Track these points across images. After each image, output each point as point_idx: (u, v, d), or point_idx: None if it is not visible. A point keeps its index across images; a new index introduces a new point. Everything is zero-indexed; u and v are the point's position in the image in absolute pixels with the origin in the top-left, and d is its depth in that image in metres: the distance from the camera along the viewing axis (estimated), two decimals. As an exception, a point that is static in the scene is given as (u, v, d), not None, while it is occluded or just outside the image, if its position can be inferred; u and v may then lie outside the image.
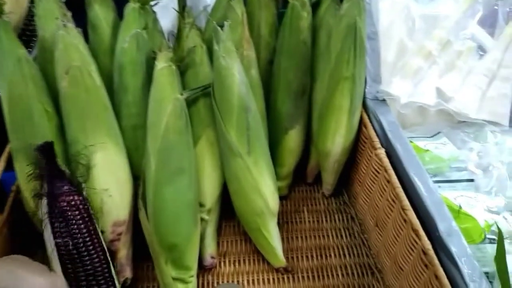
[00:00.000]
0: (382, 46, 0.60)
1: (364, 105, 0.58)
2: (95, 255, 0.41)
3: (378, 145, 0.53)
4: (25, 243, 0.50)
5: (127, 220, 0.48)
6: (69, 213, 0.41)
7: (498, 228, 0.41)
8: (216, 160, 0.54)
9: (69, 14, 0.54)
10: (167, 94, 0.50)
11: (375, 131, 0.55)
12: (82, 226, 0.41)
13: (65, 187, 0.41)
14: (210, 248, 0.54)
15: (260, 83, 0.58)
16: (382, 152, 0.52)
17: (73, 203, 0.41)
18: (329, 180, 0.61)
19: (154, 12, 0.61)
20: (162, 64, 0.51)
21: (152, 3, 0.60)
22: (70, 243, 0.40)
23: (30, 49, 0.61)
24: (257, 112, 0.53)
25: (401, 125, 0.55)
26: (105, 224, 0.46)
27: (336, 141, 0.56)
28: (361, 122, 0.57)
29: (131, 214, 0.49)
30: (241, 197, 0.52)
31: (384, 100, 0.58)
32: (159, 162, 0.48)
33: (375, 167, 0.54)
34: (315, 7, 0.60)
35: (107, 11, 0.59)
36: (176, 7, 0.57)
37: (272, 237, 0.52)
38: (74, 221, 0.41)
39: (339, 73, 0.54)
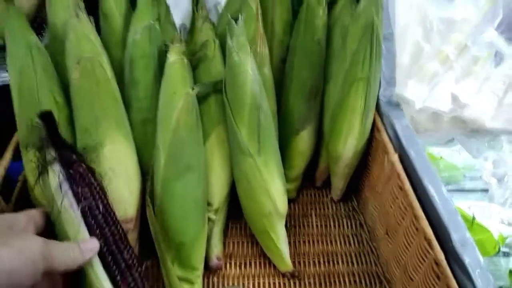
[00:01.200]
0: (398, 48, 0.59)
1: (378, 108, 0.56)
2: (117, 222, 0.39)
3: (391, 150, 0.52)
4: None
5: (135, 217, 0.47)
6: (89, 179, 0.37)
7: (514, 242, 0.39)
8: (226, 159, 0.53)
9: (81, 2, 0.53)
10: (178, 88, 0.49)
11: (388, 135, 0.54)
12: (101, 192, 0.38)
13: (74, 157, 0.37)
14: (217, 249, 0.53)
15: (272, 82, 0.57)
16: (395, 157, 0.51)
17: (87, 171, 0.38)
18: (338, 184, 0.60)
19: (166, 4, 0.60)
20: (174, 57, 0.50)
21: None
22: (101, 205, 0.37)
23: (41, 36, 0.60)
24: (269, 111, 0.52)
25: (414, 130, 0.54)
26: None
27: (348, 144, 0.54)
28: (374, 125, 0.56)
29: (139, 211, 0.48)
30: (250, 198, 0.51)
31: (398, 103, 0.57)
32: (169, 158, 0.47)
33: (387, 173, 0.52)
34: (330, 5, 0.59)
35: (120, 1, 0.57)
36: (189, -1, 0.56)
37: (280, 239, 0.51)
38: (95, 185, 0.38)
39: (354, 74, 0.53)
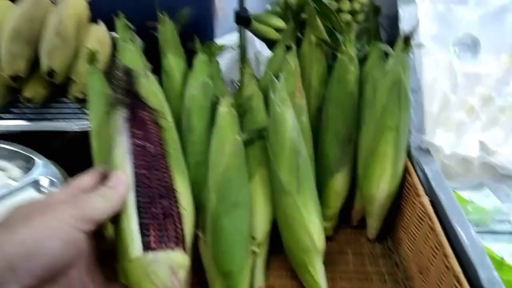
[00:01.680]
0: (426, 99, 0.64)
1: (409, 154, 0.61)
2: (166, 171, 0.37)
3: (422, 192, 0.56)
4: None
5: (188, 247, 0.53)
6: (149, 126, 0.38)
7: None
8: (268, 197, 0.59)
9: (148, 65, 0.63)
10: (227, 135, 0.56)
11: (419, 179, 0.58)
12: (158, 144, 0.38)
13: (140, 104, 0.39)
14: (259, 281, 0.57)
15: (309, 129, 0.63)
16: (426, 200, 0.55)
17: (152, 121, 0.39)
18: (373, 224, 0.64)
19: (218, 63, 0.70)
20: (224, 108, 0.58)
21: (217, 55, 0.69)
22: (152, 149, 0.36)
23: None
24: (307, 155, 0.58)
25: (444, 175, 0.58)
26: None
27: (380, 187, 0.59)
28: (405, 170, 0.61)
29: (191, 241, 0.54)
30: (290, 233, 0.56)
31: (428, 150, 0.61)
32: (219, 196, 0.53)
33: (419, 214, 0.56)
34: (362, 61, 0.66)
35: (179, 61, 0.68)
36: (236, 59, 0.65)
37: (318, 274, 0.55)
38: (153, 133, 0.37)
39: (384, 123, 0.58)
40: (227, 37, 0.91)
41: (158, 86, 0.59)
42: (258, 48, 0.82)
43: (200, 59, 0.66)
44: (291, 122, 0.56)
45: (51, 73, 0.66)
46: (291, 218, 0.55)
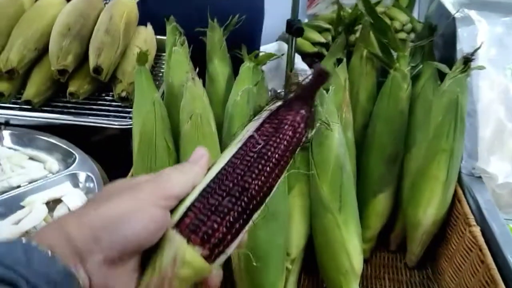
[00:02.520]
0: (480, 123, 0.61)
1: (459, 180, 0.58)
2: (258, 183, 0.30)
3: (473, 222, 0.52)
4: None
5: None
6: (285, 128, 0.32)
7: None
8: (306, 212, 0.57)
9: (195, 69, 0.63)
10: (270, 145, 0.54)
11: (470, 207, 0.55)
12: (280, 150, 0.31)
13: (301, 112, 0.33)
14: (291, 298, 0.55)
15: (354, 145, 0.61)
16: (477, 230, 0.51)
17: (295, 125, 0.32)
18: (414, 250, 0.60)
19: (262, 72, 0.69)
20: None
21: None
22: (265, 149, 0.31)
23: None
24: (351, 172, 0.55)
25: (495, 204, 0.54)
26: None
27: (427, 212, 0.56)
28: (455, 196, 0.57)
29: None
30: (327, 253, 0.53)
31: (480, 177, 0.57)
32: None
33: (468, 245, 0.52)
34: (413, 80, 0.64)
35: (224, 68, 0.67)
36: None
37: (354, 299, 0.52)
38: (282, 139, 0.32)
39: (437, 145, 0.55)
40: (263, 47, 0.91)
41: (204, 91, 0.58)
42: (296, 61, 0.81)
43: (247, 66, 0.65)
44: (337, 136, 0.54)
45: (98, 69, 0.66)
46: (330, 236, 0.53)
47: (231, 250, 0.29)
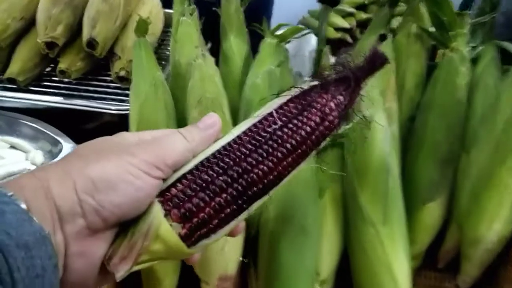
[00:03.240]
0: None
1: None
2: (263, 169, 0.26)
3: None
4: None
5: (234, 275, 0.41)
6: (312, 112, 0.28)
7: None
8: (339, 223, 0.47)
9: (208, 44, 0.52)
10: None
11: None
12: (300, 136, 0.27)
13: (339, 98, 0.28)
14: (319, 330, 0.45)
15: (398, 142, 0.50)
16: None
17: (326, 111, 0.28)
18: (470, 271, 0.49)
19: (286, 51, 0.58)
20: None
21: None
22: (280, 126, 0.27)
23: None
24: (397, 175, 0.44)
25: None
26: (211, 276, 0.40)
27: (493, 227, 0.45)
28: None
29: (239, 268, 0.42)
30: (367, 275, 0.43)
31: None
32: (280, 215, 0.42)
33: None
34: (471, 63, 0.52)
35: (242, 44, 0.57)
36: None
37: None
38: (306, 121, 0.27)
39: (507, 144, 0.44)
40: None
41: (216, 69, 0.48)
42: (314, 46, 0.73)
43: (268, 43, 0.54)
44: (382, 130, 0.43)
45: (92, 43, 0.56)
46: (371, 255, 0.43)
47: (217, 236, 0.26)
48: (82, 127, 0.58)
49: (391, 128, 0.48)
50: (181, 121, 0.48)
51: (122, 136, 0.28)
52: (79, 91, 0.61)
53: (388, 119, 0.48)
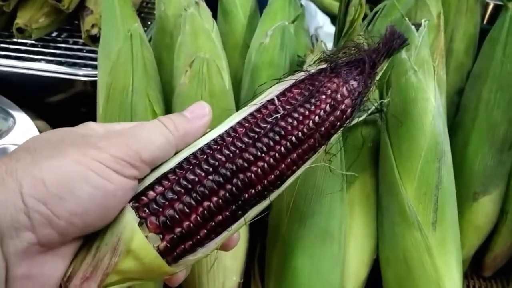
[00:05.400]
0: None
1: None
2: (263, 167, 0.22)
3: None
4: None
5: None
6: (321, 99, 0.24)
7: None
8: (370, 224, 0.38)
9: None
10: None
11: None
12: (307, 127, 0.23)
13: (352, 83, 0.25)
14: None
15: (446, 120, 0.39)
16: None
17: (338, 99, 0.24)
18: (530, 283, 0.40)
19: (302, 6, 0.47)
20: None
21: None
22: (283, 115, 0.23)
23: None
24: (451, 164, 0.34)
25: None
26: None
27: None
28: None
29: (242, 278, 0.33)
30: (408, 291, 0.33)
31: None
32: (296, 214, 0.32)
33: None
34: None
35: (246, -2, 0.45)
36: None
37: None
38: (313, 110, 0.24)
39: None
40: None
41: (213, 22, 0.37)
42: (320, 23, 0.66)
43: (280, -6, 0.43)
44: (434, 104, 0.33)
45: (56, -8, 0.45)
46: (415, 267, 0.34)
47: (206, 251, 0.22)
48: (47, 100, 0.47)
49: (442, 101, 0.38)
50: (166, 90, 0.37)
51: (88, 126, 0.23)
52: (43, 54, 0.49)
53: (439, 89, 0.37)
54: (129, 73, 0.33)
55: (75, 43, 0.52)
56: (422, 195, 0.33)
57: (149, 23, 0.55)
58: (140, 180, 0.21)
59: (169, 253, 0.21)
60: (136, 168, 0.21)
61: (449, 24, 0.42)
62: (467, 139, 0.40)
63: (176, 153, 0.23)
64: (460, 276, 0.34)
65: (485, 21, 0.51)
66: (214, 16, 0.45)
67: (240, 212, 0.22)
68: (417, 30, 0.34)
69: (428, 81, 0.33)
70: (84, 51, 0.51)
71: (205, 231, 0.21)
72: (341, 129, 0.25)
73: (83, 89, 0.48)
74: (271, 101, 0.24)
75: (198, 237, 0.21)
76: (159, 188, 0.21)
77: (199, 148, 0.22)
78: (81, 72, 0.45)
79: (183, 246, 0.21)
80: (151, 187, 0.21)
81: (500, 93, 0.39)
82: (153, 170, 0.22)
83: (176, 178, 0.21)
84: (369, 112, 0.37)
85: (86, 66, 0.48)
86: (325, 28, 0.67)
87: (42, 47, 0.51)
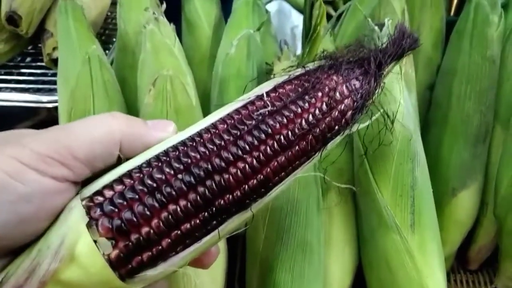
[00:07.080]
0: None
1: None
2: (245, 169, 0.20)
3: None
4: None
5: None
6: (317, 96, 0.21)
7: None
8: (350, 230, 0.37)
9: (162, 6, 0.40)
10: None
11: None
12: (298, 127, 0.21)
13: (353, 83, 0.22)
14: None
15: (418, 117, 0.39)
16: None
17: (336, 98, 0.22)
18: (514, 271, 0.40)
19: (268, 12, 0.46)
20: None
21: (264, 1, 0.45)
22: (271, 112, 0.20)
23: (107, 51, 0.48)
24: (425, 162, 0.34)
25: None
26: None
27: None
28: None
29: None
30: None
31: None
32: (272, 226, 0.31)
33: None
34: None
35: (210, 6, 0.46)
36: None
37: None
38: (306, 108, 0.21)
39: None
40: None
41: (174, 37, 0.36)
42: (295, 23, 0.67)
43: (243, 2, 0.42)
44: (403, 103, 0.32)
45: (13, 18, 0.43)
46: (397, 270, 0.33)
47: (169, 266, 0.19)
48: (12, 127, 0.46)
49: (411, 99, 0.38)
50: (132, 112, 0.36)
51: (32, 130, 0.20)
52: (7, 82, 0.47)
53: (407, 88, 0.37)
54: (89, 98, 0.32)
55: (39, 67, 0.51)
56: (398, 197, 0.32)
57: (114, 39, 0.54)
58: (86, 183, 0.19)
59: (122, 264, 0.18)
60: (67, 167, 0.18)
61: (415, 20, 0.42)
62: (441, 135, 0.40)
63: (128, 157, 0.19)
64: (443, 276, 0.33)
65: (452, 13, 0.52)
66: (179, 27, 0.44)
67: (214, 222, 0.19)
68: (381, 30, 0.34)
69: (394, 82, 0.33)
70: (49, 74, 0.49)
71: (169, 240, 0.18)
72: (342, 134, 0.23)
73: (48, 116, 0.46)
74: (259, 97, 0.21)
75: (160, 247, 0.18)
76: (119, 187, 0.18)
77: (173, 145, 0.20)
78: (44, 99, 0.44)
79: (140, 257, 0.18)
80: (110, 185, 0.19)
81: (470, 85, 0.39)
82: (115, 167, 0.19)
83: (141, 176, 0.19)
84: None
85: (50, 90, 0.47)
86: (301, 27, 0.67)
87: (5, 74, 0.49)
